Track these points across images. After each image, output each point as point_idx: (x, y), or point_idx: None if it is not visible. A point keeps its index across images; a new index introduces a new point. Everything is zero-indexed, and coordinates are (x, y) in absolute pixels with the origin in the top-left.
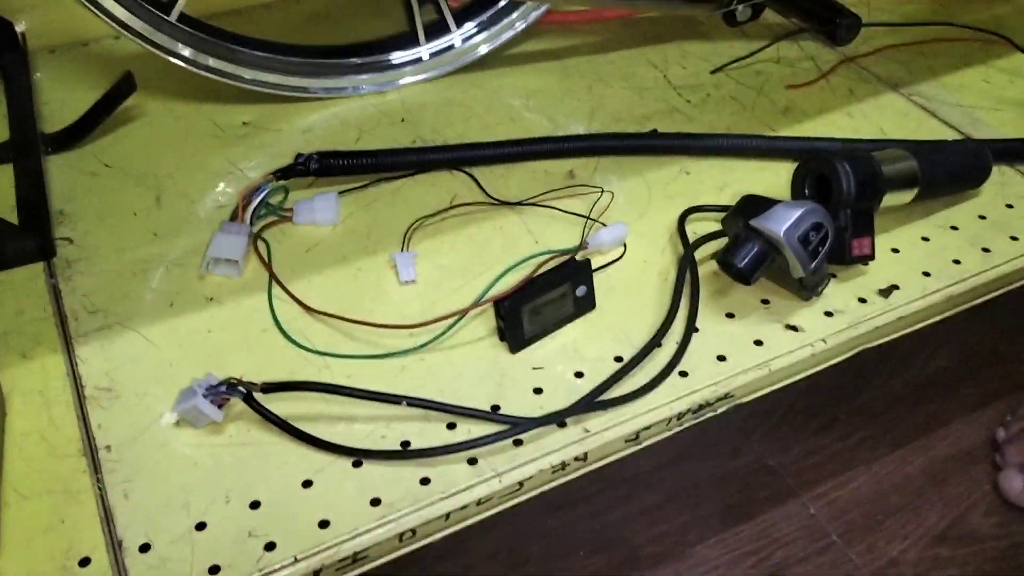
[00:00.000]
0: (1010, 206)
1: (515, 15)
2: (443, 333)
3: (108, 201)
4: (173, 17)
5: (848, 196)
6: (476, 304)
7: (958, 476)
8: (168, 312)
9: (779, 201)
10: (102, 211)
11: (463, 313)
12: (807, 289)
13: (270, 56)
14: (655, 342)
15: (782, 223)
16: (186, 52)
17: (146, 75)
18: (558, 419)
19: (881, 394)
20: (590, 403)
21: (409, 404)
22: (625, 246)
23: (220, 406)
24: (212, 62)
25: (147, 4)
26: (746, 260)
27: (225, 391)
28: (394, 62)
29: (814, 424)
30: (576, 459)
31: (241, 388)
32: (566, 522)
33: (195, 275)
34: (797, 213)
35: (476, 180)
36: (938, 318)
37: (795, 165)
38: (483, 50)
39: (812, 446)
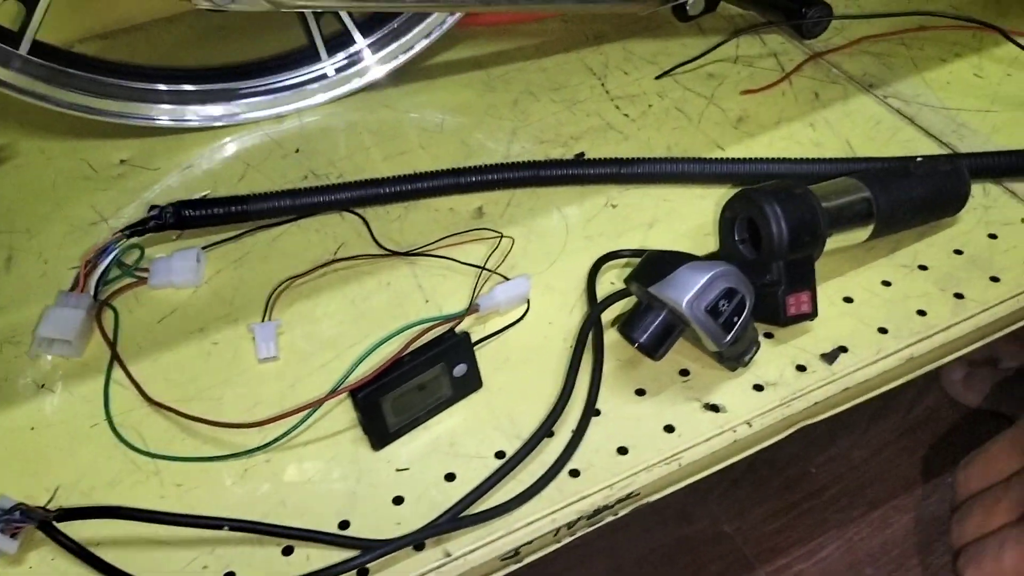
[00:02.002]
0: (993, 236)
1: (430, 18)
2: (294, 427)
3: None
4: (23, 49)
5: (780, 246)
6: (330, 395)
7: (944, 543)
8: None
9: (688, 259)
10: None
11: (314, 406)
12: (730, 360)
13: (142, 86)
14: (544, 431)
15: (684, 292)
16: (41, 89)
17: (19, 108)
18: (413, 541)
19: (860, 440)
20: (454, 520)
21: (232, 529)
22: (529, 303)
23: (14, 535)
24: (74, 97)
25: None
26: (647, 334)
27: (19, 518)
28: (293, 82)
29: (781, 478)
30: None
31: (32, 516)
32: None
33: (31, 353)
34: (702, 280)
35: (367, 224)
36: (895, 384)
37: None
38: (395, 62)
39: (776, 506)
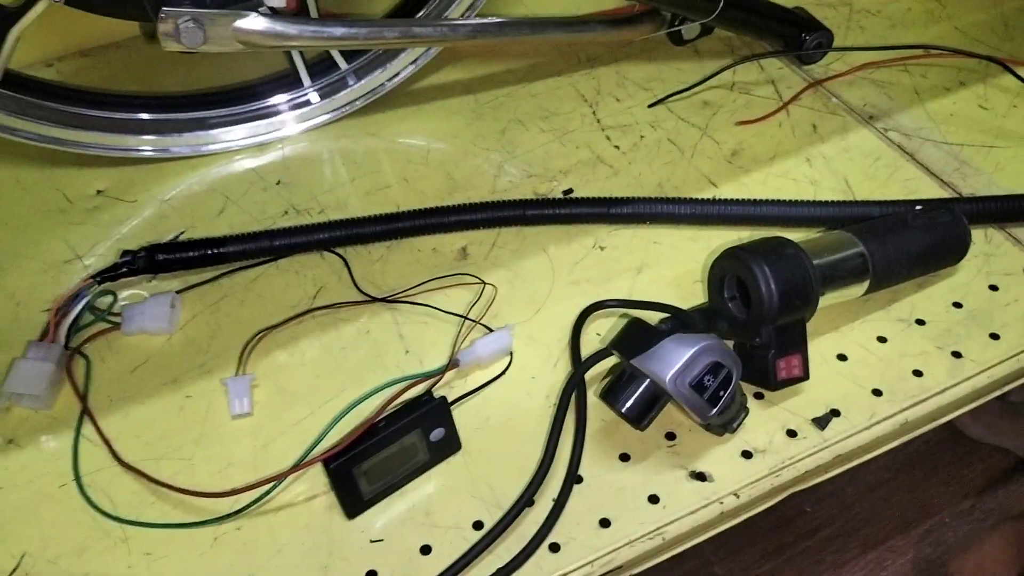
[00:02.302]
0: (994, 288)
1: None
2: (266, 494)
3: None
4: None
5: (771, 310)
6: (296, 467)
7: None
8: None
9: (673, 325)
10: None
11: (280, 478)
12: (718, 427)
13: (119, 116)
14: (524, 502)
15: (668, 367)
16: (13, 123)
17: None
18: None
19: (855, 477)
20: None
21: None
22: (512, 355)
23: None
24: (47, 130)
25: None
26: (630, 404)
27: None
28: (274, 108)
29: (774, 516)
30: None
31: None
32: None
33: None
34: (687, 355)
35: (348, 265)
36: (889, 447)
37: (732, 236)
38: (383, 87)
39: (770, 546)
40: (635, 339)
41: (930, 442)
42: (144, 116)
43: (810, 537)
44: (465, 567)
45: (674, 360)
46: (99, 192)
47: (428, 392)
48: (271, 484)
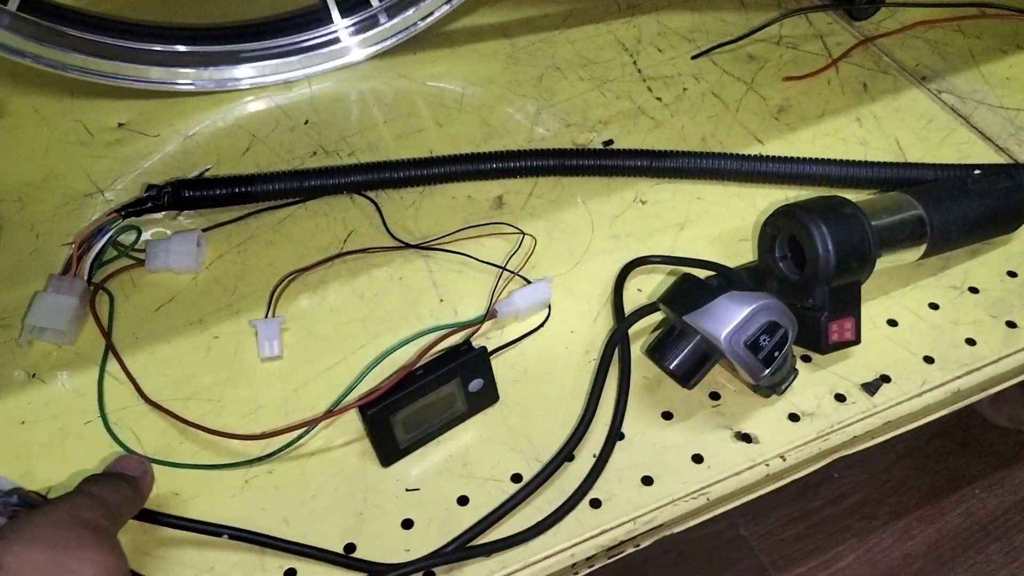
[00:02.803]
0: None
1: None
2: (298, 438)
3: None
4: (13, 6)
5: (826, 271)
6: (332, 412)
7: (969, 557)
8: None
9: (726, 282)
10: None
11: (315, 423)
12: (767, 388)
13: (141, 46)
14: (564, 456)
15: (723, 325)
16: (33, 48)
17: (11, 63)
18: (423, 568)
19: (885, 445)
20: (465, 549)
21: (232, 537)
22: (550, 308)
23: (10, 519)
24: (68, 57)
25: None
26: (679, 361)
27: (16, 502)
28: (303, 46)
29: (802, 482)
30: None
31: (29, 502)
32: None
33: (21, 341)
34: (744, 312)
35: (379, 210)
36: (938, 415)
37: (778, 194)
38: (416, 26)
39: (796, 510)
40: (688, 295)
41: (962, 413)
42: (169, 48)
43: (837, 503)
44: (503, 517)
45: (730, 318)
46: (120, 125)
47: (467, 341)
48: (304, 429)
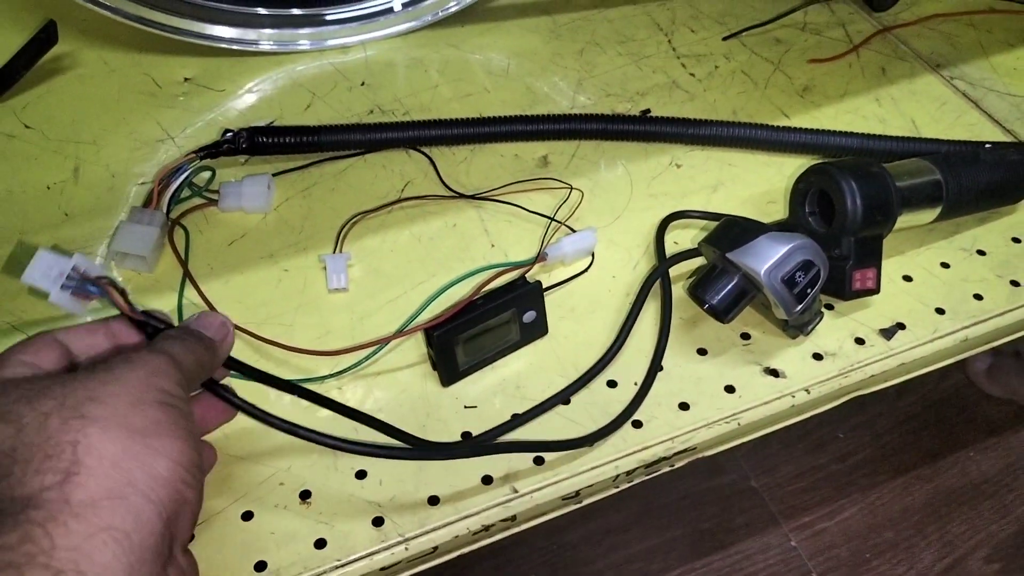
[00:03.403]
0: None
1: None
2: (366, 359)
3: (20, 170)
4: None
5: (853, 222)
6: (401, 333)
7: (963, 513)
8: (64, 319)
9: (765, 228)
10: (11, 183)
11: (385, 341)
12: (794, 328)
13: (213, 5)
14: (599, 368)
15: (763, 261)
16: (114, 1)
17: (82, 16)
18: (476, 448)
19: (888, 410)
20: (515, 424)
21: (301, 395)
22: (593, 256)
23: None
24: (138, 10)
25: None
26: (720, 297)
27: (95, 291)
28: (359, 14)
29: (809, 440)
30: (503, 520)
31: (117, 291)
32: (516, 539)
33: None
34: (783, 250)
35: (434, 164)
36: (947, 362)
37: (803, 162)
38: (464, 0)
39: (804, 466)
40: (731, 235)
41: (959, 384)
42: (236, 9)
43: (842, 461)
44: (549, 409)
45: (771, 254)
46: (186, 80)
47: (523, 277)
48: (375, 347)
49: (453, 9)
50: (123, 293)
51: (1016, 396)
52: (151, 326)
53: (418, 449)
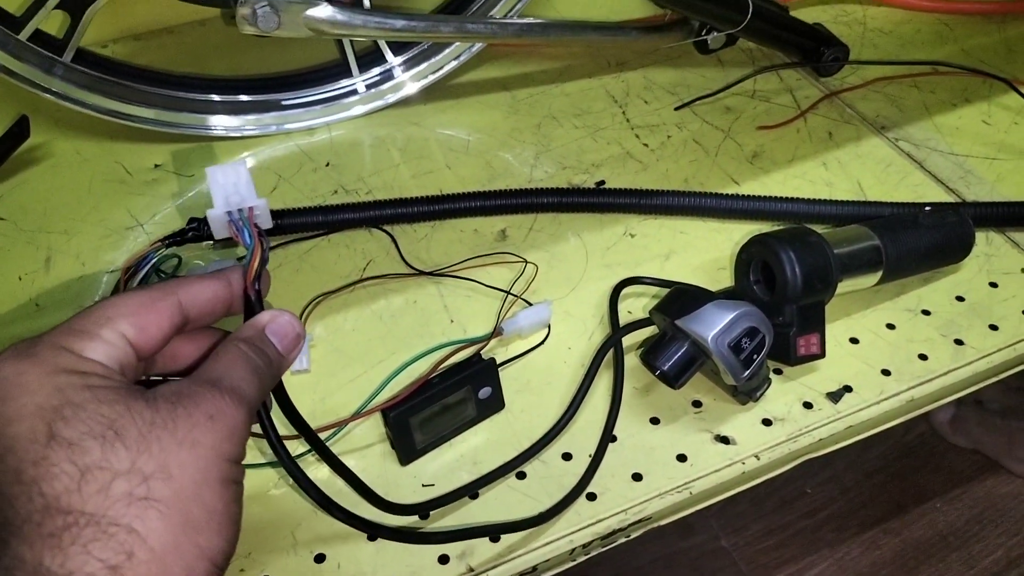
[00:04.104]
0: (994, 285)
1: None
2: (327, 440)
3: None
4: (67, 58)
5: (794, 291)
6: (358, 415)
7: (931, 566)
8: None
9: (712, 297)
10: None
11: (343, 424)
12: (743, 394)
13: (179, 94)
14: (553, 435)
15: (710, 327)
16: (82, 95)
17: (55, 108)
18: (430, 508)
19: (854, 462)
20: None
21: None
22: (549, 328)
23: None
24: (113, 104)
25: (36, 46)
26: (670, 363)
27: (246, 239)
28: (324, 96)
29: (777, 497)
30: None
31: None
32: None
33: None
34: (729, 317)
35: (395, 241)
36: (896, 422)
37: (751, 228)
38: (425, 80)
39: (773, 523)
40: (679, 303)
41: (924, 435)
42: (204, 97)
43: (810, 517)
44: (500, 477)
45: (717, 321)
46: (156, 166)
47: (478, 354)
48: (334, 428)
49: (415, 89)
50: (263, 261)
51: (980, 446)
52: (250, 311)
53: (375, 529)
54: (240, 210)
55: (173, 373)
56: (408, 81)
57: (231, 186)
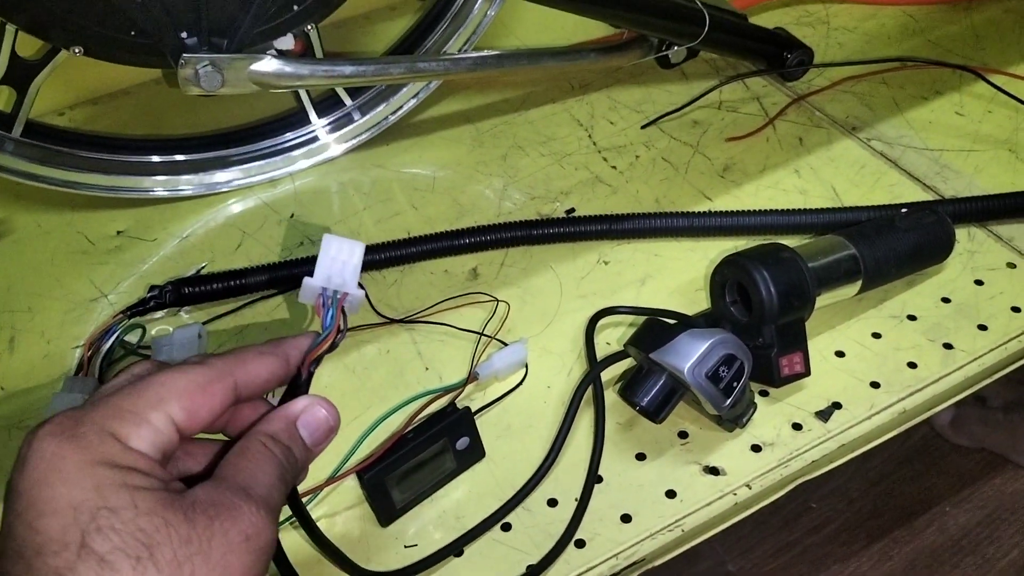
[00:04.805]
0: (979, 282)
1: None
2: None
3: None
4: (16, 132)
5: (771, 311)
6: (333, 479)
7: (945, 572)
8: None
9: (687, 324)
10: None
11: (318, 490)
12: (729, 422)
13: (135, 159)
14: (529, 489)
15: (685, 359)
16: (35, 169)
17: (13, 183)
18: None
19: (858, 472)
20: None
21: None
22: (527, 367)
23: None
24: (67, 175)
25: None
26: (649, 398)
27: (327, 321)
28: (284, 146)
29: (782, 514)
30: None
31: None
32: None
33: None
34: (703, 347)
35: (364, 290)
36: (888, 436)
37: (728, 245)
38: (387, 120)
39: (779, 542)
40: (653, 335)
41: (927, 436)
42: (164, 159)
43: (817, 532)
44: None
45: (691, 352)
46: (119, 233)
47: (452, 404)
48: (308, 496)
49: (375, 131)
50: (331, 348)
51: (984, 444)
52: (292, 390)
53: None
54: (335, 291)
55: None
56: (366, 124)
57: (340, 264)
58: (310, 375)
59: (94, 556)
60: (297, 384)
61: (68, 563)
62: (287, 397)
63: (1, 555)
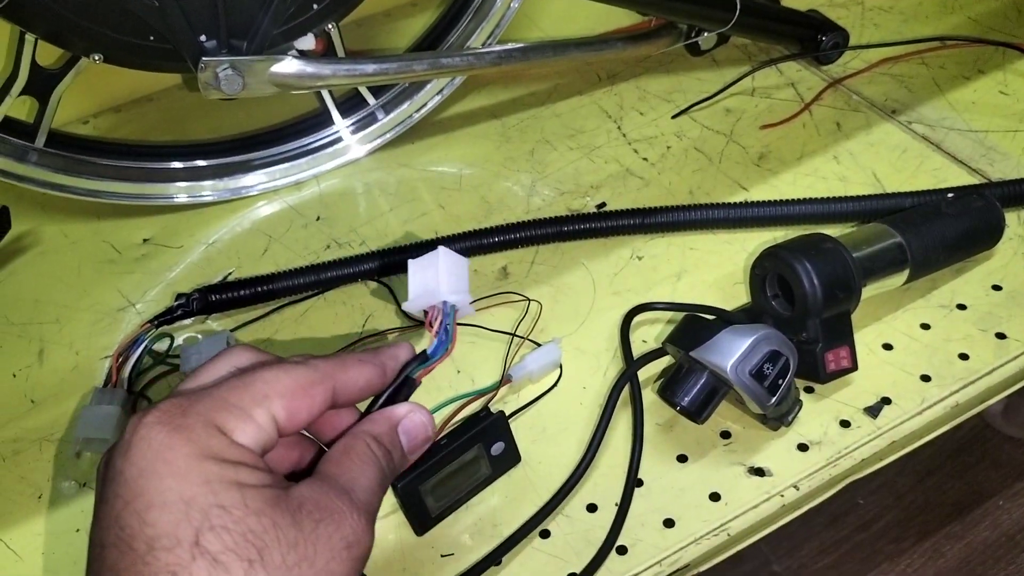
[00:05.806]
0: None
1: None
2: None
3: None
4: (39, 143)
5: (815, 305)
6: None
7: (1001, 568)
8: (36, 507)
9: (727, 320)
10: None
11: None
12: (774, 420)
13: (159, 166)
14: (570, 486)
15: (728, 357)
16: (60, 179)
17: (39, 194)
18: None
19: (906, 466)
20: None
21: None
22: (561, 368)
23: None
24: (92, 184)
25: (7, 134)
26: (690, 398)
27: (443, 335)
28: (308, 148)
29: (828, 511)
30: None
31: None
32: None
33: (71, 453)
34: (746, 343)
35: (393, 293)
36: (941, 430)
37: (767, 236)
38: (412, 118)
39: (826, 540)
40: (692, 332)
41: (977, 427)
42: (188, 164)
43: (865, 529)
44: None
45: (734, 349)
46: (145, 241)
47: (485, 408)
48: None
49: (400, 130)
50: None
51: None
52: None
53: None
54: (454, 305)
55: None
56: (391, 122)
57: (456, 278)
58: (415, 383)
59: (207, 556)
60: (398, 392)
61: (181, 561)
62: (386, 403)
63: (106, 544)
